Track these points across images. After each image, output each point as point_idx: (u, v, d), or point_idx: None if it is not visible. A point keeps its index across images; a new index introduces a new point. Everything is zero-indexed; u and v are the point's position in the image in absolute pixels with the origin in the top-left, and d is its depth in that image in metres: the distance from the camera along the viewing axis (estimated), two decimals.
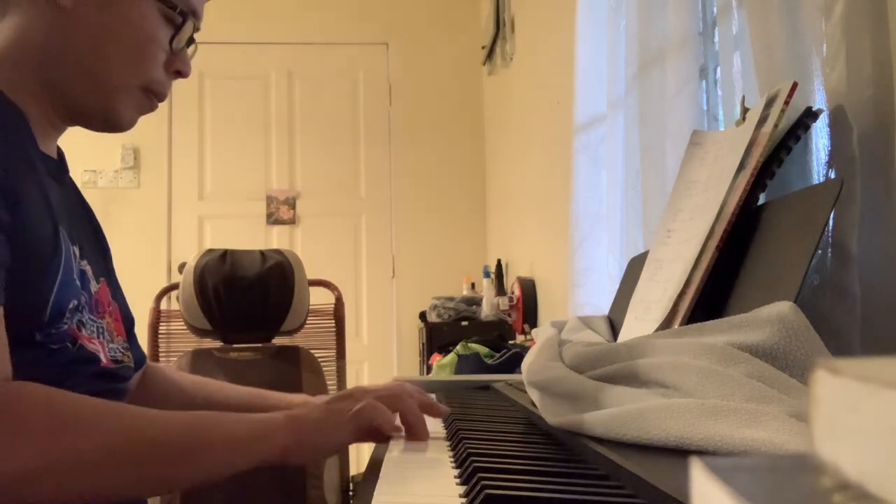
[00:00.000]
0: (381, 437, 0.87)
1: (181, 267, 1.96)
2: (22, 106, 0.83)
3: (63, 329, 0.78)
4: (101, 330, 0.87)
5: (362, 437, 0.85)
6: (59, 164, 0.91)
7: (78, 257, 0.85)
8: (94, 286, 0.88)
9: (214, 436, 0.76)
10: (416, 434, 0.84)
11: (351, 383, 2.11)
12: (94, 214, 1.01)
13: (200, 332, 1.80)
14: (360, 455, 3.45)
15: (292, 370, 1.78)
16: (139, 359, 1.06)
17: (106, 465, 0.69)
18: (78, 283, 0.82)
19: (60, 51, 0.84)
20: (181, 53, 0.91)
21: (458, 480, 0.60)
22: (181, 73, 0.92)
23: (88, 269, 0.88)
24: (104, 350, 0.86)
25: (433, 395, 1.07)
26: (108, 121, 0.89)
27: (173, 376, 1.13)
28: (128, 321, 1.01)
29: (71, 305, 0.79)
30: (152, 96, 0.90)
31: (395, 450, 0.78)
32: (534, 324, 2.79)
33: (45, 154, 0.86)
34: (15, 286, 0.72)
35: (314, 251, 3.88)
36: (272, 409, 0.92)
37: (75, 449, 0.67)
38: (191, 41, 0.93)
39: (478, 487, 0.51)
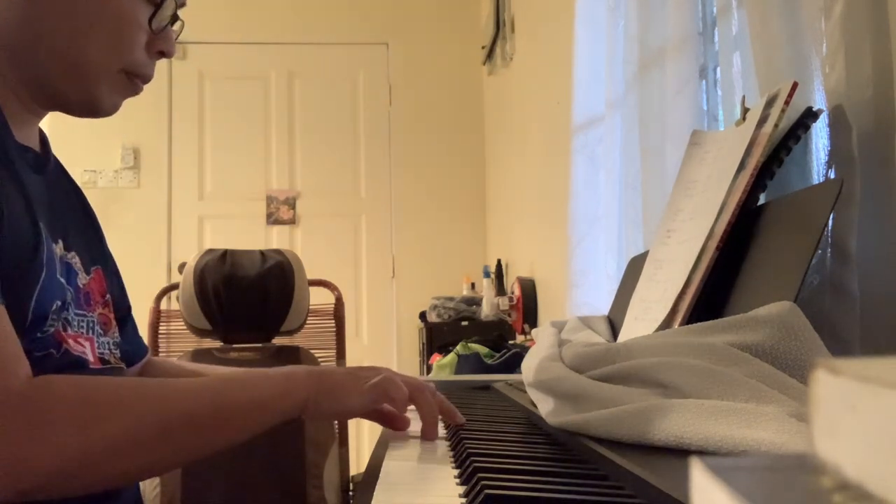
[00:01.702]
0: (391, 421, 0.87)
1: (181, 267, 1.96)
2: None
3: (48, 333, 0.76)
4: (90, 324, 0.85)
5: (376, 412, 0.86)
6: (39, 152, 0.87)
7: (62, 250, 0.82)
8: (82, 278, 0.86)
9: (241, 399, 0.77)
10: (425, 431, 0.84)
11: None
12: (84, 197, 0.97)
13: (200, 333, 1.79)
14: (360, 455, 3.45)
15: None
16: (140, 350, 1.05)
17: (139, 445, 0.70)
18: (62, 279, 0.80)
19: (35, 37, 0.80)
20: (163, 33, 0.87)
21: (458, 480, 0.60)
22: (164, 54, 0.87)
23: (76, 259, 0.85)
24: (93, 347, 0.84)
25: None
26: (89, 107, 0.85)
27: (177, 367, 1.12)
28: (122, 308, 0.99)
29: (54, 307, 0.77)
30: (136, 79, 0.86)
31: (395, 450, 0.78)
32: (534, 324, 2.78)
33: (22, 145, 0.82)
34: None
35: (314, 251, 3.88)
36: None
37: (108, 436, 0.68)
38: (175, 19, 0.88)
39: (478, 487, 0.51)
